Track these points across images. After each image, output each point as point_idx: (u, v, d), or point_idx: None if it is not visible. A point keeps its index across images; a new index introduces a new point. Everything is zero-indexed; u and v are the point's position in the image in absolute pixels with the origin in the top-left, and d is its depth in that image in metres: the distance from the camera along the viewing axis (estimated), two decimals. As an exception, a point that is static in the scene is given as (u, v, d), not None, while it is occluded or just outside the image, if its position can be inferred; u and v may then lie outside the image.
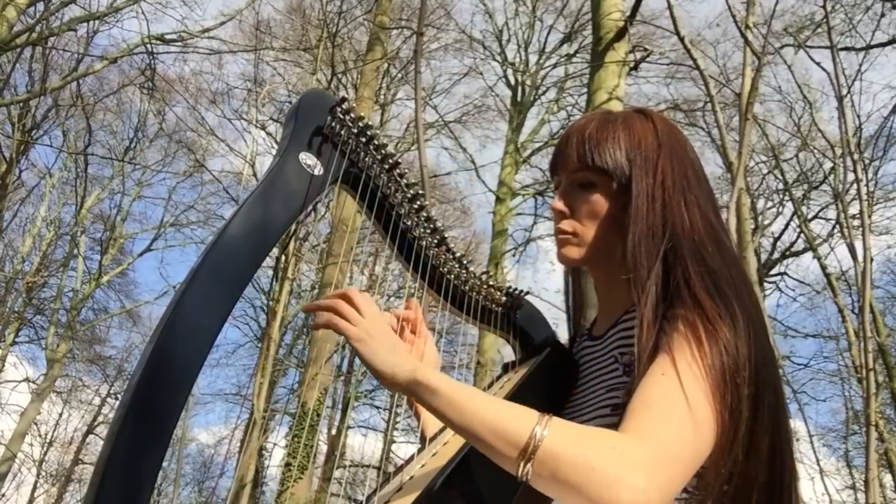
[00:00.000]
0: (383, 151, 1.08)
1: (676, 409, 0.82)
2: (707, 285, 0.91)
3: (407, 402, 1.19)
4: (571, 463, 0.77)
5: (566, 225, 1.07)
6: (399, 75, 15.33)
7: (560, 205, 1.07)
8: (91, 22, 11.03)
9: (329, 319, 0.93)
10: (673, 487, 0.79)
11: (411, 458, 1.07)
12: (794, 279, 14.84)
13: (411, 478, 1.00)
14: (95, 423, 18.16)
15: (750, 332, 0.89)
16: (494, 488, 0.95)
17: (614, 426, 0.84)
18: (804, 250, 14.21)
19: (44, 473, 18.17)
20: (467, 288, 1.23)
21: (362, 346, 0.91)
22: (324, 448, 15.05)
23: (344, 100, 1.03)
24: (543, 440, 0.78)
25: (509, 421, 0.81)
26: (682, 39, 4.59)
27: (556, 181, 1.11)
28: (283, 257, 9.52)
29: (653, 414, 0.81)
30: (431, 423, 1.16)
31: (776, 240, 14.66)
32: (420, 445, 1.11)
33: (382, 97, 15.09)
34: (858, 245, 5.08)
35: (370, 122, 1.06)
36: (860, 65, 8.62)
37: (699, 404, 0.82)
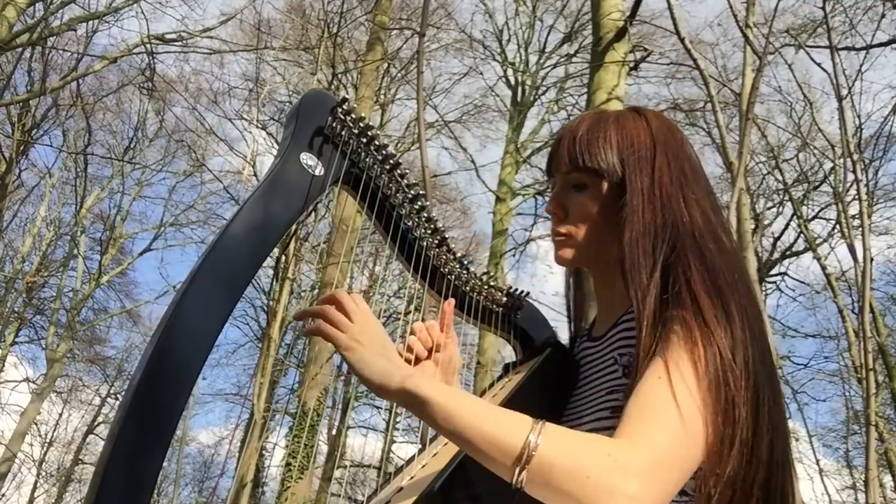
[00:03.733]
0: (384, 152, 1.08)
1: (670, 416, 0.82)
2: (707, 285, 0.90)
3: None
4: (566, 470, 0.77)
5: (561, 227, 1.07)
6: (399, 75, 15.33)
7: (553, 208, 1.08)
8: (91, 22, 11.03)
9: (318, 327, 0.92)
10: (666, 493, 0.79)
11: (411, 458, 1.07)
12: (794, 279, 14.84)
13: (411, 478, 1.00)
14: (95, 423, 18.17)
15: (747, 332, 0.88)
16: (495, 489, 0.95)
17: (614, 429, 0.84)
18: (804, 250, 14.22)
19: (44, 473, 18.18)
20: (468, 288, 1.23)
21: (350, 355, 0.90)
22: (324, 448, 15.06)
23: (345, 100, 1.03)
24: (538, 448, 0.78)
25: (502, 429, 0.80)
26: (682, 39, 4.59)
27: (552, 183, 1.11)
28: (284, 257, 9.52)
29: (646, 420, 0.82)
30: None
31: (776, 240, 14.66)
32: (420, 445, 1.11)
33: (383, 97, 15.09)
34: (858, 245, 5.08)
35: (371, 123, 1.06)
36: (860, 65, 8.63)
37: (690, 412, 0.82)
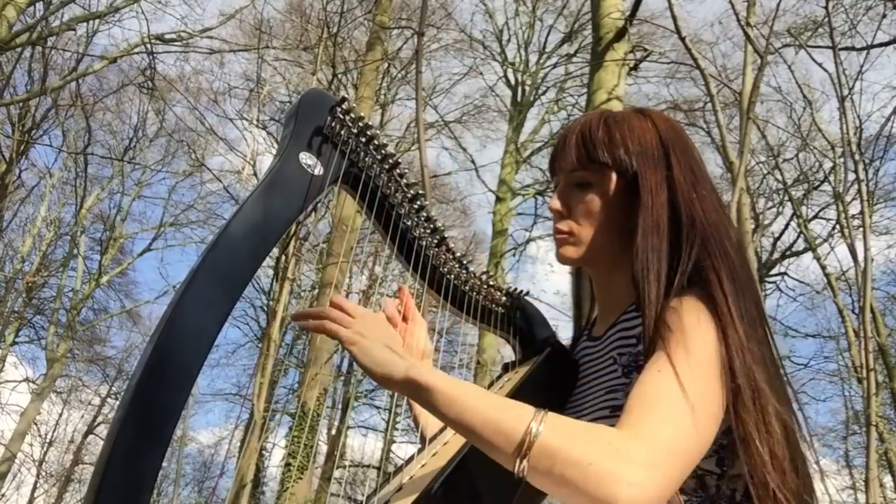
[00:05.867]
0: (383, 151, 1.09)
1: (674, 404, 0.81)
2: (732, 281, 0.92)
3: (407, 403, 1.19)
4: (567, 458, 0.76)
5: (564, 225, 1.07)
6: (399, 75, 15.32)
7: (557, 205, 1.07)
8: (91, 21, 11.02)
9: (321, 324, 0.93)
10: (672, 481, 0.78)
11: (411, 458, 1.07)
12: (794, 279, 14.84)
13: (411, 478, 1.00)
14: (95, 423, 18.17)
15: (759, 330, 0.90)
16: (495, 488, 0.95)
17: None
18: (804, 250, 14.21)
19: (44, 473, 18.18)
20: (467, 288, 1.23)
21: (354, 347, 0.90)
22: (324, 448, 15.05)
23: (344, 100, 1.03)
24: (539, 436, 0.78)
25: (505, 417, 0.80)
26: (682, 39, 4.59)
27: (556, 181, 1.11)
28: (284, 257, 9.52)
29: (649, 410, 0.81)
30: (431, 425, 1.16)
31: (776, 240, 14.66)
32: (420, 445, 1.11)
33: (382, 97, 15.08)
34: (859, 245, 5.08)
35: (370, 122, 1.06)
36: (861, 65, 8.62)
37: (699, 395, 0.82)
